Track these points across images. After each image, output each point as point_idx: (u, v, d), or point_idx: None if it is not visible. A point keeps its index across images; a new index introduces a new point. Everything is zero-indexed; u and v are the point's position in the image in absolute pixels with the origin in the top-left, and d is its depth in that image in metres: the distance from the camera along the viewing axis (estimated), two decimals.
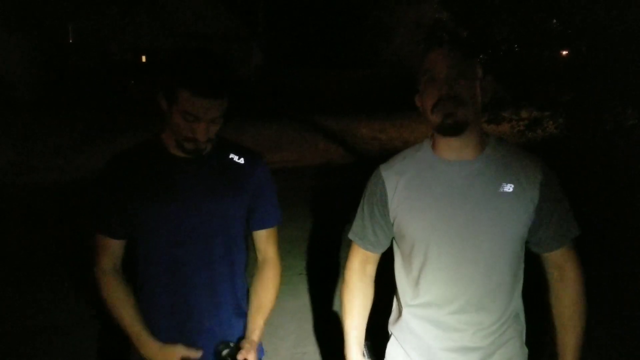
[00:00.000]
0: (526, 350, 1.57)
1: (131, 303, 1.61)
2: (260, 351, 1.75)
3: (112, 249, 1.62)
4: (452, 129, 1.43)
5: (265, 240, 1.75)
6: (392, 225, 1.57)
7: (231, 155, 1.66)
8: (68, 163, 9.53)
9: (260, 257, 1.77)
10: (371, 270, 1.68)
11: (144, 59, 21.66)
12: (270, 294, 1.73)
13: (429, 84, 1.44)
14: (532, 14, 8.19)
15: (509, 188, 1.43)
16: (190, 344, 1.59)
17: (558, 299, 1.53)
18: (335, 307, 3.93)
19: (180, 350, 1.57)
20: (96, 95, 17.60)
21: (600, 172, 7.00)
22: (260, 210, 1.71)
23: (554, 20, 8.43)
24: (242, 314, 1.72)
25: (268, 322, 1.75)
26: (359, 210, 1.64)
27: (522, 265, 1.53)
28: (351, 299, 1.66)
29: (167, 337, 1.60)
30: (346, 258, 1.69)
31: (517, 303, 1.54)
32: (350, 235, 1.67)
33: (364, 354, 1.64)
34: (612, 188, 6.47)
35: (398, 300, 1.63)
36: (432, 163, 1.51)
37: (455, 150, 1.47)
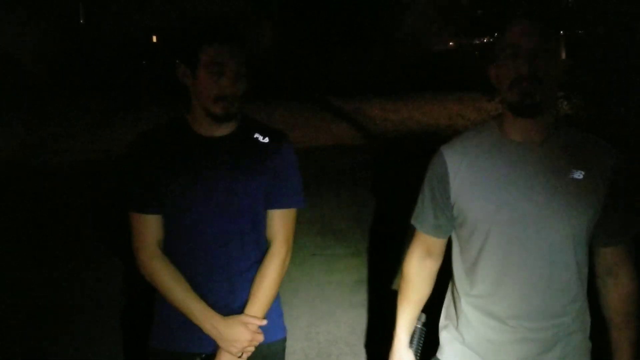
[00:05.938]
0: (589, 345, 1.50)
1: (184, 283, 1.60)
2: (280, 329, 1.77)
3: (150, 227, 1.60)
4: (528, 110, 1.35)
5: (276, 222, 1.67)
6: (453, 208, 1.49)
7: (256, 135, 1.66)
8: (80, 145, 9.58)
9: (269, 241, 1.68)
10: (432, 264, 1.60)
11: (154, 39, 21.59)
12: (263, 286, 1.64)
13: (510, 59, 1.35)
14: None
15: (579, 175, 1.37)
16: None
17: (609, 304, 1.47)
18: (349, 288, 3.96)
19: (244, 320, 1.60)
20: (108, 76, 17.63)
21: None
22: (276, 189, 1.65)
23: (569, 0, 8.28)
24: None
25: (281, 302, 1.76)
26: (420, 193, 1.56)
27: (587, 257, 1.45)
28: (406, 290, 1.61)
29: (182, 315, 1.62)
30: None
31: (583, 295, 1.47)
32: (412, 221, 1.59)
33: (411, 340, 1.61)
34: None
35: (455, 287, 1.57)
36: (498, 143, 1.43)
37: (525, 131, 1.40)
